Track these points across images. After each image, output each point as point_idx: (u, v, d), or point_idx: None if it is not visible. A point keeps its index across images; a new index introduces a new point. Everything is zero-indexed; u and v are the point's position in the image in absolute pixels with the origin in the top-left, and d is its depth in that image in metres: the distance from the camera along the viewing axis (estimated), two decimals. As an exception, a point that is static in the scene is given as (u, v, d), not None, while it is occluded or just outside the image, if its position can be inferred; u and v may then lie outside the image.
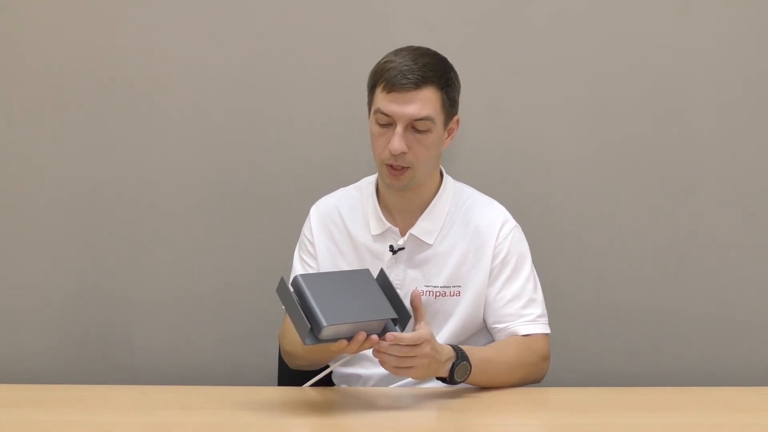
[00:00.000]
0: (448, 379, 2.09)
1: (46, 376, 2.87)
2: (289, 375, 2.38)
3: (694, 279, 2.87)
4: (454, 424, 2.02)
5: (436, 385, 2.16)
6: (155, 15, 2.85)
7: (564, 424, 2.04)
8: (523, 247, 2.32)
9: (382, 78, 2.18)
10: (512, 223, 2.33)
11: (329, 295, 1.96)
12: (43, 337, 2.91)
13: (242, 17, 2.84)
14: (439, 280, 2.29)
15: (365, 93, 2.27)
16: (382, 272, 2.06)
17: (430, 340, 2.02)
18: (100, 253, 2.90)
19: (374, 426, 1.97)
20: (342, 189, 2.42)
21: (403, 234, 2.30)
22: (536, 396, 2.20)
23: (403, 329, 2.02)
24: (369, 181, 2.38)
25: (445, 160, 2.38)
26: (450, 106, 2.23)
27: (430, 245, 2.29)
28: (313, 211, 2.39)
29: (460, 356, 2.08)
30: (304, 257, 2.37)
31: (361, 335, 1.96)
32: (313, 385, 2.21)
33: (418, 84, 2.17)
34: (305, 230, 2.39)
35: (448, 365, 2.07)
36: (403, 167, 2.20)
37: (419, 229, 2.29)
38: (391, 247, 2.29)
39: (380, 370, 2.12)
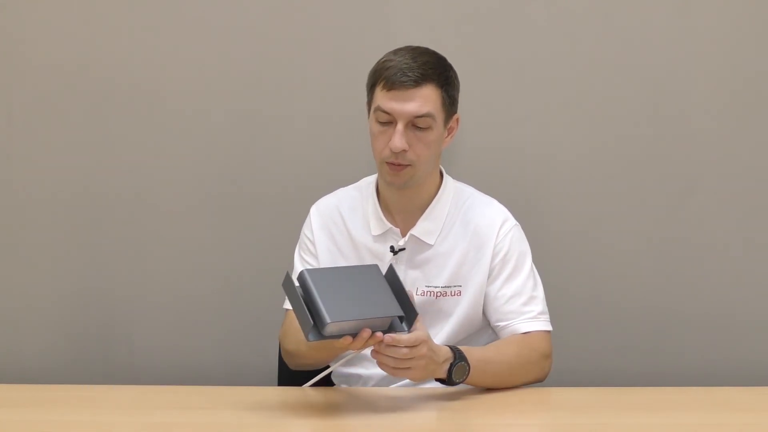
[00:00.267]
0: (447, 380, 2.08)
1: (46, 376, 2.87)
2: (289, 375, 2.38)
3: (694, 279, 2.87)
4: (454, 424, 2.02)
5: (437, 385, 2.15)
6: (155, 15, 2.85)
7: (564, 424, 2.04)
8: (524, 246, 2.32)
9: (382, 77, 2.19)
10: (512, 221, 2.33)
11: (335, 291, 1.95)
12: (43, 337, 2.91)
13: (242, 17, 2.84)
14: (440, 281, 2.29)
15: (365, 93, 2.27)
16: (391, 268, 2.05)
17: (427, 340, 2.01)
18: (100, 253, 2.90)
19: (374, 426, 1.97)
20: (341, 189, 2.42)
21: (403, 234, 2.30)
22: (536, 396, 2.20)
23: (410, 327, 2.01)
24: (369, 182, 2.38)
25: (445, 160, 2.38)
26: (450, 104, 2.23)
27: (430, 245, 2.29)
28: (314, 210, 2.39)
29: (458, 357, 2.08)
30: (305, 256, 2.37)
31: (366, 332, 1.96)
32: (313, 385, 2.21)
33: (418, 82, 2.17)
34: (305, 230, 2.39)
35: (446, 366, 2.07)
36: (403, 164, 2.20)
37: (420, 229, 2.29)
38: (391, 247, 2.29)
39: (380, 371, 2.11)
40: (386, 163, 2.21)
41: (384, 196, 2.32)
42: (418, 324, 2.03)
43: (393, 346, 1.97)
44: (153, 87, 2.86)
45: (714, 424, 1.99)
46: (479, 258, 2.29)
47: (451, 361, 2.07)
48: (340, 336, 1.95)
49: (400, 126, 2.18)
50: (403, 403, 2.07)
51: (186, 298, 2.90)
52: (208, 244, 2.89)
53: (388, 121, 2.19)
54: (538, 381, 2.25)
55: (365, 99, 2.27)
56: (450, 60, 2.26)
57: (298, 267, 2.36)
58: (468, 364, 2.09)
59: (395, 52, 2.23)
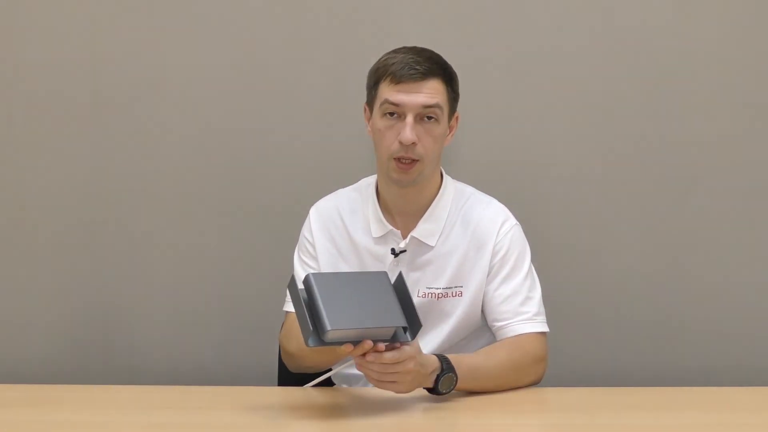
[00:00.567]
0: (433, 391, 2.07)
1: (46, 376, 2.87)
2: (289, 375, 2.38)
3: (694, 279, 2.87)
4: (454, 425, 2.02)
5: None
6: (155, 16, 2.85)
7: (564, 424, 2.04)
8: (523, 246, 2.32)
9: (388, 72, 2.19)
10: (512, 221, 2.33)
11: (339, 298, 1.93)
12: (44, 337, 2.91)
13: (242, 18, 2.84)
14: (442, 282, 2.28)
15: (365, 93, 2.27)
16: (400, 276, 2.04)
17: (415, 356, 1.99)
18: (100, 254, 2.90)
19: (374, 426, 1.97)
20: (340, 190, 2.41)
21: (404, 236, 2.30)
22: (536, 396, 2.20)
23: (413, 337, 1.99)
24: (368, 182, 2.37)
25: (445, 160, 2.38)
26: (453, 99, 2.25)
27: (431, 247, 2.29)
28: (313, 212, 2.39)
29: (446, 367, 2.06)
30: (305, 258, 2.36)
31: (367, 344, 1.94)
32: (313, 385, 2.21)
33: (425, 75, 2.18)
34: (305, 231, 2.38)
35: (433, 377, 2.06)
36: (412, 160, 2.20)
37: (420, 231, 2.29)
38: (392, 250, 2.28)
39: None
40: (394, 159, 2.21)
41: (384, 197, 2.32)
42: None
43: (376, 362, 1.96)
44: (153, 88, 2.86)
45: (714, 424, 1.99)
46: (479, 258, 2.28)
47: (438, 372, 2.06)
48: (340, 343, 1.94)
49: (409, 118, 2.18)
50: (403, 403, 2.07)
51: (186, 298, 2.90)
52: (208, 244, 2.89)
53: (396, 114, 2.19)
54: (533, 384, 2.24)
55: (365, 99, 2.27)
56: (450, 59, 2.26)
57: (298, 269, 2.36)
58: (455, 375, 2.07)
59: (395, 51, 2.24)
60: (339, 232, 2.34)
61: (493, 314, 2.28)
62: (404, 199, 2.29)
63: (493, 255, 2.28)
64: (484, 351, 2.22)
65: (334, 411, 2.09)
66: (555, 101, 2.85)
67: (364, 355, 1.96)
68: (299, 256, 2.38)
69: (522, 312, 2.26)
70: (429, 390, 2.08)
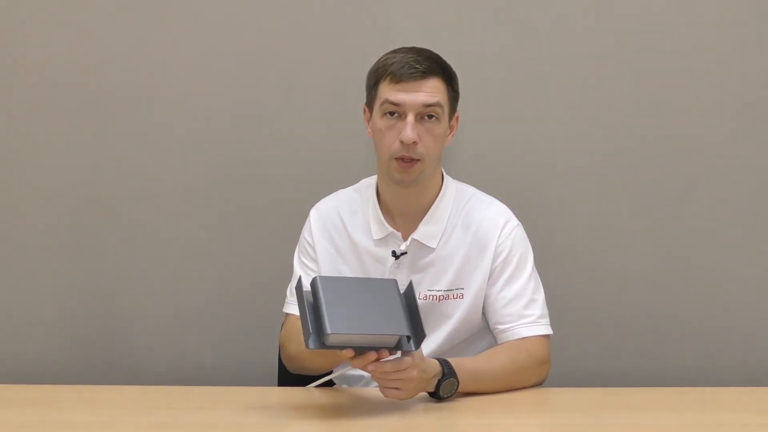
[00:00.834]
0: (435, 395, 2.07)
1: (46, 376, 2.87)
2: (289, 376, 2.38)
3: (694, 279, 2.87)
4: (455, 425, 2.02)
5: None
6: (155, 16, 2.85)
7: (564, 424, 2.04)
8: (525, 247, 2.31)
9: (388, 72, 2.19)
10: (514, 222, 2.32)
11: (344, 302, 1.93)
12: (44, 337, 2.91)
13: (242, 18, 2.84)
14: (443, 284, 2.28)
15: (365, 93, 2.27)
16: (410, 285, 2.03)
17: (418, 365, 2.00)
18: (100, 253, 2.90)
19: (375, 426, 1.97)
20: (341, 191, 2.40)
21: (404, 238, 2.29)
22: (536, 396, 2.20)
23: (417, 346, 1.98)
24: (369, 183, 2.36)
25: (445, 160, 2.38)
26: (453, 99, 2.25)
27: (432, 249, 2.28)
28: (313, 213, 2.38)
29: (447, 372, 2.06)
30: (305, 260, 2.36)
31: (372, 355, 1.94)
32: (315, 386, 2.21)
33: (426, 74, 2.18)
34: (305, 233, 2.38)
35: (435, 382, 2.06)
36: (413, 159, 2.19)
37: (421, 233, 2.28)
38: (393, 252, 2.28)
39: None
40: (395, 159, 2.20)
41: (385, 198, 2.31)
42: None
43: (377, 370, 1.97)
44: (153, 88, 2.86)
45: (714, 424, 1.99)
46: (481, 260, 2.27)
47: (439, 376, 2.06)
48: (342, 347, 1.94)
49: (410, 117, 2.17)
50: (404, 403, 2.07)
51: (186, 298, 2.90)
52: (209, 244, 2.89)
53: (396, 114, 2.19)
54: (536, 385, 2.23)
55: (365, 99, 2.27)
56: (449, 59, 2.26)
57: (298, 271, 2.34)
58: (457, 380, 2.07)
59: (395, 51, 2.23)
60: (339, 233, 2.34)
61: (496, 317, 2.27)
62: (405, 200, 2.28)
63: (495, 257, 2.27)
64: (485, 354, 2.22)
65: (335, 411, 2.09)
66: (555, 101, 2.85)
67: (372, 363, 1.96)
68: (299, 258, 2.37)
69: (526, 315, 2.25)
70: (430, 394, 2.08)
